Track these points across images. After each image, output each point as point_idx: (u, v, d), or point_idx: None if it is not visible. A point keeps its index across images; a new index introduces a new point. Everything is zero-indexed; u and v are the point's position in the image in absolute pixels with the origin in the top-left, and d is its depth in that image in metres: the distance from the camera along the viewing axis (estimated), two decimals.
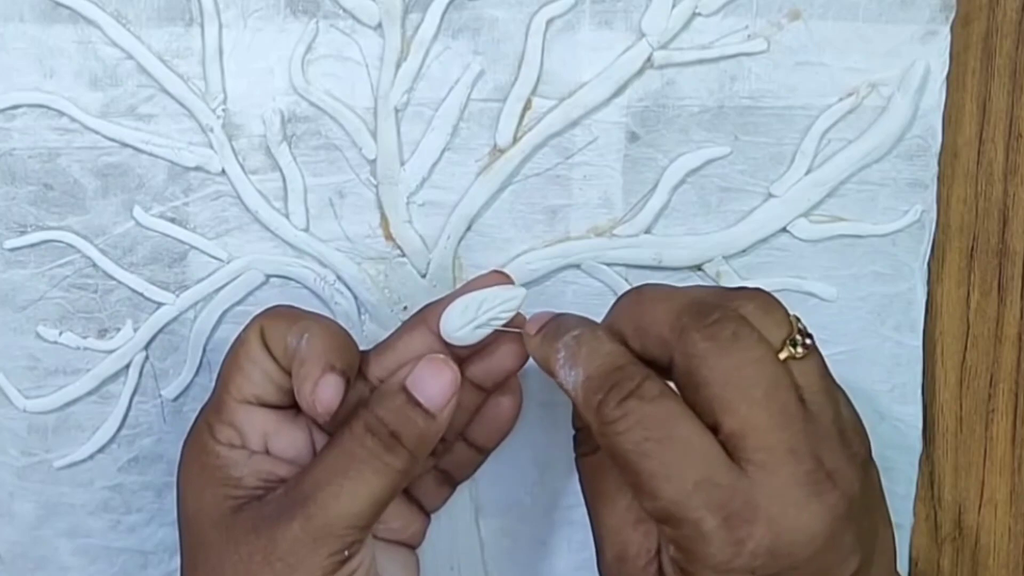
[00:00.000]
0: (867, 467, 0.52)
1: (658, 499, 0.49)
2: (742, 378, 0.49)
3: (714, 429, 0.50)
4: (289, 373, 0.55)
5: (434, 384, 0.54)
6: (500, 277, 0.58)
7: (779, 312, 0.52)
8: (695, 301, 0.51)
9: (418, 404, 0.54)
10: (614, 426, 0.50)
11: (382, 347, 0.58)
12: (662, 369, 0.52)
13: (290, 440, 0.57)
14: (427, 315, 0.57)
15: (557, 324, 0.55)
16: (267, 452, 0.56)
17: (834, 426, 0.51)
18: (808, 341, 0.52)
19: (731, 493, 0.48)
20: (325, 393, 0.53)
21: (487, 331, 0.56)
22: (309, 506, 0.52)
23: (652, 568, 0.53)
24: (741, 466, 0.49)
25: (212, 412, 0.56)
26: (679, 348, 0.50)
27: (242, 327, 0.56)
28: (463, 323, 0.56)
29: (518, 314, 0.57)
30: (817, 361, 0.52)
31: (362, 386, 0.57)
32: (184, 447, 0.57)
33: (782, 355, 0.51)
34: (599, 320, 0.55)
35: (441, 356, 0.55)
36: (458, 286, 0.61)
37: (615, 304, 0.55)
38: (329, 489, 0.53)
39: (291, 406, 0.57)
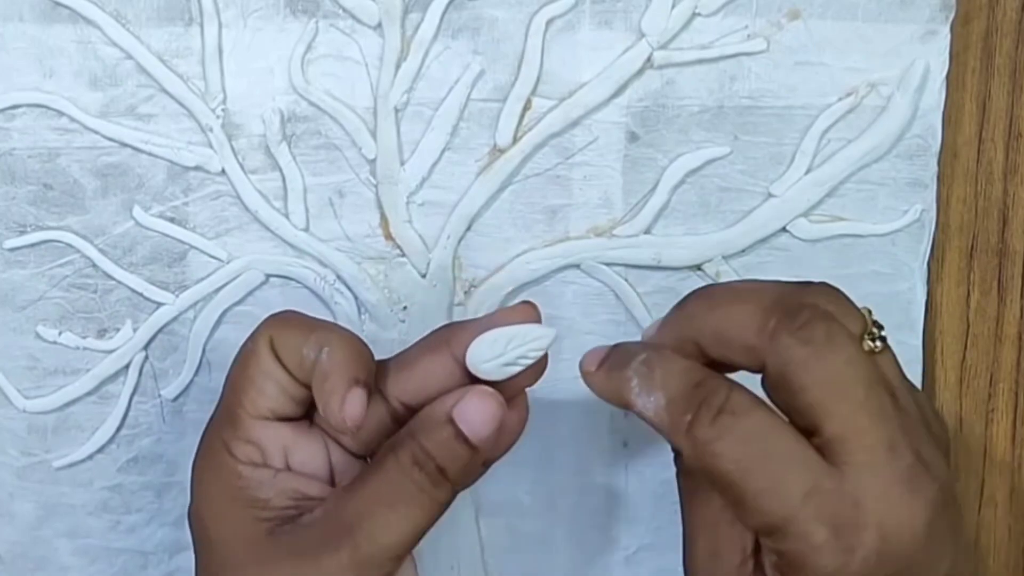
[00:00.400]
0: (947, 454, 0.52)
1: (766, 515, 0.48)
2: (842, 380, 0.48)
3: (807, 433, 0.48)
4: (304, 385, 0.54)
5: (482, 418, 0.53)
6: (531, 310, 0.55)
7: (852, 306, 0.51)
8: (778, 301, 0.50)
9: (464, 438, 0.53)
10: (711, 447, 0.48)
11: (400, 364, 0.56)
12: (732, 370, 0.51)
13: (309, 453, 0.56)
14: (451, 340, 0.55)
15: (620, 353, 0.53)
16: (288, 468, 0.55)
17: (921, 415, 0.50)
18: (884, 334, 0.51)
19: (838, 499, 0.47)
20: (353, 408, 0.52)
21: (515, 370, 0.54)
22: (356, 536, 0.52)
23: (748, 567, 0.52)
24: (841, 469, 0.48)
25: (227, 429, 0.55)
26: (771, 354, 0.49)
27: (248, 336, 0.55)
28: (491, 358, 0.54)
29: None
30: (892, 353, 0.51)
31: (379, 401, 0.56)
32: (198, 466, 0.56)
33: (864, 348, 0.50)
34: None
35: (490, 390, 0.53)
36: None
37: (680, 308, 0.53)
38: (377, 521, 0.52)
39: (304, 417, 0.56)
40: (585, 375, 0.53)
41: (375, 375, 0.55)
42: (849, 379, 0.48)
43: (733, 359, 0.51)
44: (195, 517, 0.55)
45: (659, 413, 0.50)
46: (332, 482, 0.56)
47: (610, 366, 0.52)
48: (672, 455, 0.54)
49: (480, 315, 0.58)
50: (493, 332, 0.54)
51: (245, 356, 0.55)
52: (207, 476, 0.55)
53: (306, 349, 0.53)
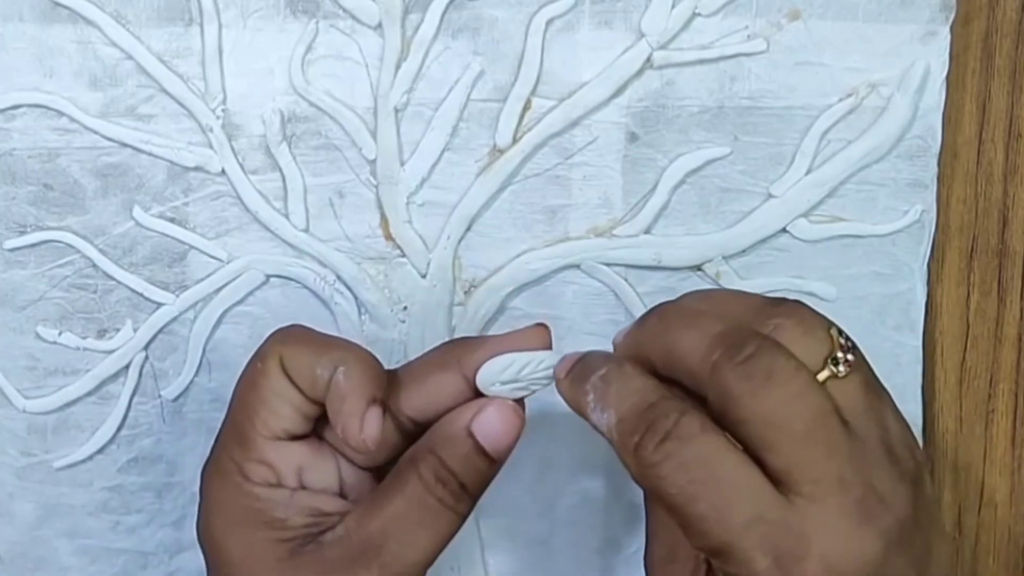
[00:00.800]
0: (918, 482, 0.50)
1: (709, 539, 0.48)
2: (781, 416, 0.47)
3: (758, 462, 0.48)
4: (316, 403, 0.54)
5: (503, 432, 0.53)
6: (543, 334, 0.56)
7: (819, 330, 0.50)
8: (726, 332, 0.49)
9: (484, 451, 0.53)
10: (655, 470, 0.48)
11: (409, 379, 0.56)
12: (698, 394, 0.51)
13: (321, 470, 0.56)
14: (462, 358, 0.55)
15: (583, 365, 0.53)
16: (303, 487, 0.55)
17: (881, 445, 0.49)
18: (850, 357, 0.49)
19: (782, 529, 0.47)
20: (372, 429, 0.53)
21: (525, 393, 0.55)
22: (384, 555, 0.52)
23: (700, 574, 0.53)
24: (789, 499, 0.47)
25: (238, 450, 0.55)
26: (712, 386, 0.49)
27: (254, 353, 0.55)
28: (502, 381, 0.54)
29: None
30: (861, 377, 0.50)
31: (387, 415, 0.56)
32: (209, 487, 0.56)
33: (823, 375, 0.49)
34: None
35: (511, 403, 0.54)
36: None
37: (640, 323, 0.53)
38: (403, 539, 0.52)
39: (314, 434, 0.56)
40: (556, 381, 0.54)
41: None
42: (792, 414, 0.47)
43: (682, 382, 0.51)
44: (208, 539, 0.55)
45: (610, 430, 0.50)
46: (343, 495, 0.56)
47: (573, 377, 0.53)
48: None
49: (483, 314, 0.59)
50: (505, 357, 0.54)
51: (254, 375, 0.55)
52: (220, 497, 0.55)
53: (319, 369, 0.53)
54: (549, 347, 0.55)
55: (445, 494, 0.53)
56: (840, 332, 0.50)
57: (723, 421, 0.48)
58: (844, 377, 0.49)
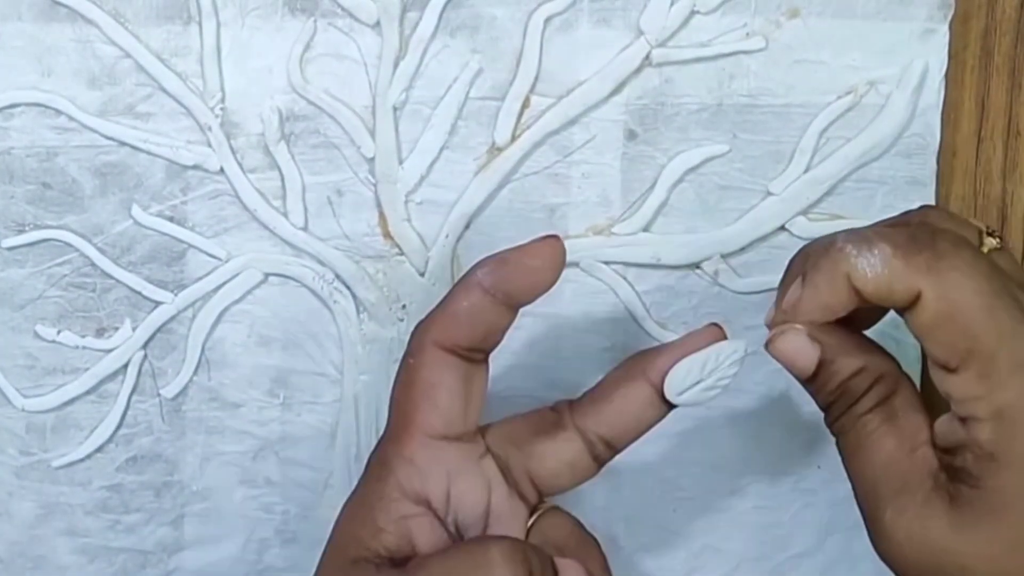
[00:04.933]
0: None
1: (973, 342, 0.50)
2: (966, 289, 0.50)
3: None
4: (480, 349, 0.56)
5: None
6: (718, 331, 0.57)
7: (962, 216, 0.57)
8: (911, 237, 0.52)
9: None
10: (951, 276, 0.51)
11: (595, 398, 0.57)
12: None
13: (471, 485, 0.57)
14: (647, 368, 0.57)
15: (807, 256, 0.54)
16: (435, 513, 0.56)
17: None
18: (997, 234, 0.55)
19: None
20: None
21: (715, 392, 0.56)
22: None
23: (940, 481, 0.53)
24: None
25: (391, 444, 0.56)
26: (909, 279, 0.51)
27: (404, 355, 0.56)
28: (689, 386, 0.56)
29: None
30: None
31: (575, 437, 0.57)
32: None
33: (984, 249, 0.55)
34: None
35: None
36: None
37: (807, 280, 0.54)
38: None
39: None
40: (787, 302, 0.55)
41: (571, 413, 0.57)
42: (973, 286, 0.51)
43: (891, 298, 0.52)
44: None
45: (887, 262, 0.51)
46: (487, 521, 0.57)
47: (812, 264, 0.54)
48: (826, 420, 0.56)
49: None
50: (688, 360, 0.56)
51: (407, 374, 0.56)
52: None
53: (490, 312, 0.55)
54: (725, 340, 0.57)
55: None
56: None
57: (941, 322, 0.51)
58: (1001, 249, 0.54)
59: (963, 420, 0.51)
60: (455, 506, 0.56)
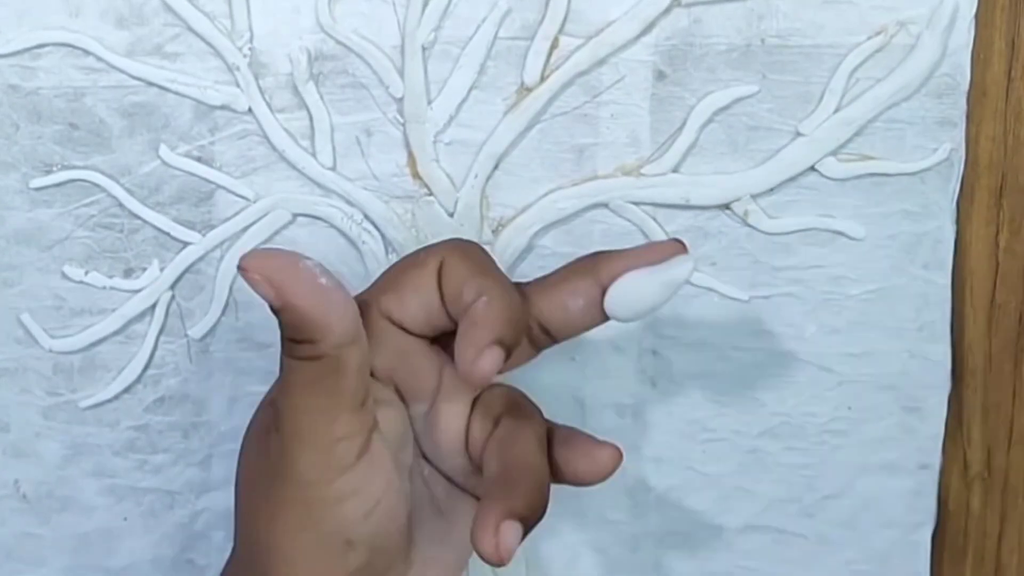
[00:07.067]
0: None
1: None
2: None
3: None
4: (447, 318, 0.55)
5: None
6: (679, 247, 0.56)
7: None
8: None
9: None
10: None
11: (543, 286, 0.56)
12: None
13: (420, 367, 0.57)
14: (599, 269, 0.55)
15: None
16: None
17: None
18: None
19: None
20: (486, 365, 0.52)
21: (653, 311, 0.55)
22: None
23: None
24: None
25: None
26: None
27: (423, 248, 0.56)
28: (630, 303, 0.55)
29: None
30: None
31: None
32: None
33: None
34: None
35: None
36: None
37: None
38: None
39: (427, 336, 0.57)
40: None
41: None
42: None
43: None
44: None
45: None
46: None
47: None
48: None
49: (511, 253, 0.60)
50: (635, 277, 0.54)
51: (411, 264, 0.56)
52: None
53: (467, 289, 0.54)
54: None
55: None
56: None
57: None
58: None
59: None
60: (402, 384, 0.56)
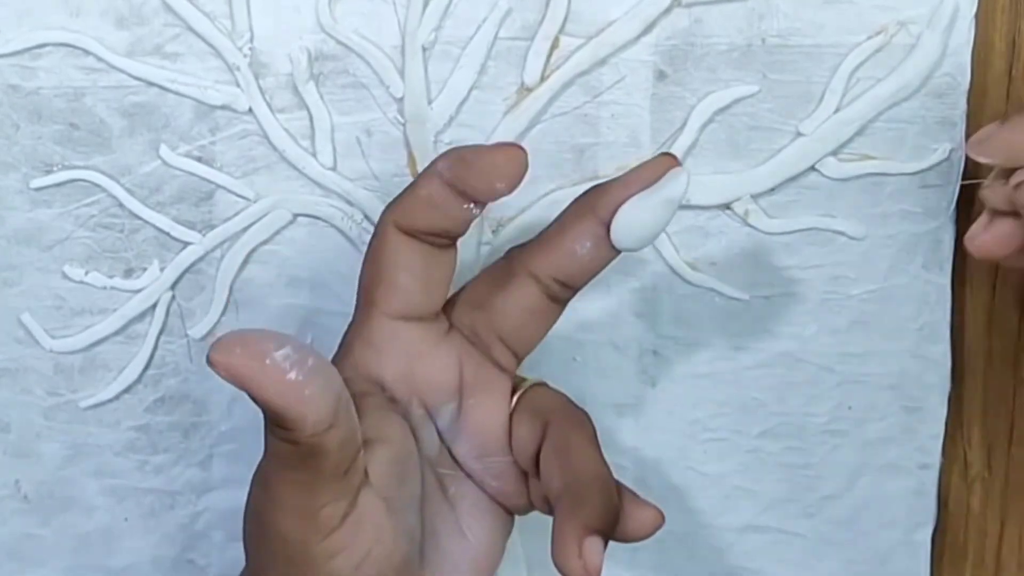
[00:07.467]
0: None
1: None
2: None
3: None
4: (445, 240, 0.56)
5: None
6: (671, 161, 0.56)
7: None
8: None
9: None
10: None
11: (546, 239, 0.57)
12: None
13: (436, 365, 0.57)
14: (596, 205, 0.56)
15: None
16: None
17: None
18: None
19: None
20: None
21: (660, 232, 0.55)
22: None
23: None
24: None
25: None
26: None
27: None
28: (636, 230, 0.55)
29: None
30: None
31: (530, 284, 0.57)
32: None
33: None
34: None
35: None
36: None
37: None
38: None
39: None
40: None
41: (521, 258, 0.57)
42: None
43: None
44: None
45: None
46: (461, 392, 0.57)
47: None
48: None
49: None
50: (634, 204, 0.55)
51: (371, 252, 0.57)
52: None
53: (454, 207, 0.55)
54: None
55: None
56: None
57: None
58: None
59: None
60: (419, 388, 0.57)
